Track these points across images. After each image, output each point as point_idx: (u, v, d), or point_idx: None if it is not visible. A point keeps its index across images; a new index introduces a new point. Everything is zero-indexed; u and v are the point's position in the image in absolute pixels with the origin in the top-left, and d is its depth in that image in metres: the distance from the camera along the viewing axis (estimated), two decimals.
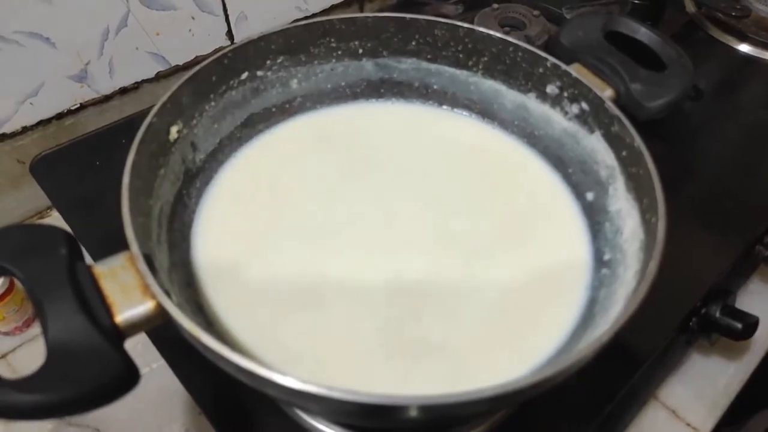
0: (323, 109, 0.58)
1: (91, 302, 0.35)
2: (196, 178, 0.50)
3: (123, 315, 0.35)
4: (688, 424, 0.61)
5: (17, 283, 0.61)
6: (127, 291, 0.36)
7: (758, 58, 0.83)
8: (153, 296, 0.35)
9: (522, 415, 0.52)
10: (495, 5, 0.76)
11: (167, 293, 0.35)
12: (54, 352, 0.32)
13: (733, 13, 0.76)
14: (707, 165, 0.73)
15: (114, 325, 0.35)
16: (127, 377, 0.33)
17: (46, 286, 0.34)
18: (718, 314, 0.58)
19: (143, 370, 0.59)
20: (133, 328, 0.35)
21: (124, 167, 0.40)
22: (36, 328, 0.64)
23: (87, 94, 0.68)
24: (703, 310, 0.59)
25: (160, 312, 0.36)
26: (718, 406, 0.62)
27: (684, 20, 0.89)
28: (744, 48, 0.84)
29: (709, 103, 0.79)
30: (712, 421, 0.61)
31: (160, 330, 0.52)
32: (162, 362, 0.57)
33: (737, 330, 0.58)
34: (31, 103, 0.64)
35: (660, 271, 0.37)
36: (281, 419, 0.50)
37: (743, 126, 0.78)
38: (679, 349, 0.63)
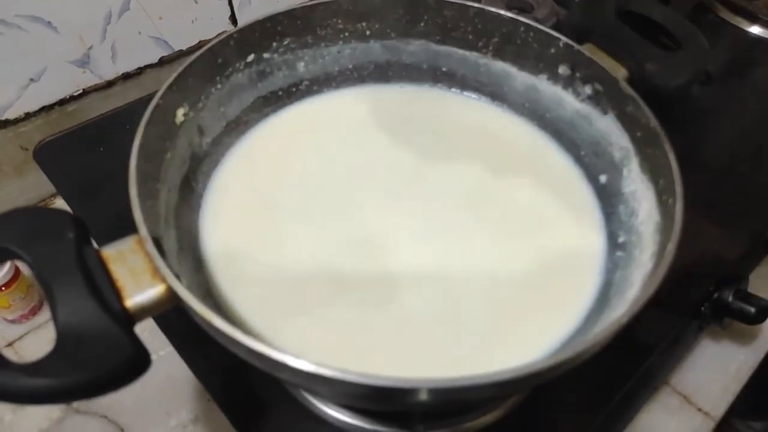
0: (330, 93, 0.57)
1: (101, 286, 0.34)
2: (203, 162, 0.49)
3: (133, 299, 0.35)
4: (700, 409, 0.60)
5: (23, 270, 0.60)
6: (137, 274, 0.35)
7: None
8: (163, 279, 0.35)
9: (533, 402, 0.51)
10: None
11: (177, 276, 0.34)
12: (64, 337, 0.32)
13: None
14: (718, 149, 0.72)
15: (124, 309, 0.34)
16: (137, 361, 0.33)
17: (54, 269, 0.33)
18: (731, 299, 0.58)
19: (151, 357, 0.59)
20: (143, 312, 0.35)
21: (131, 150, 0.39)
22: (42, 316, 0.63)
23: (90, 80, 0.67)
24: (716, 295, 0.58)
25: (170, 296, 0.35)
26: (729, 391, 0.62)
27: (693, 2, 0.87)
28: (755, 30, 0.82)
29: (720, 86, 0.78)
30: (723, 406, 0.61)
31: (169, 316, 0.52)
32: (169, 349, 0.57)
33: (750, 314, 0.57)
34: (33, 88, 0.64)
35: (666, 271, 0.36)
36: (292, 405, 0.49)
37: (755, 109, 0.77)
38: (691, 334, 0.63)
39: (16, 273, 0.59)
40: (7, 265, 0.58)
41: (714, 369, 0.63)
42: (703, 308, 0.59)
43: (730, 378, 0.62)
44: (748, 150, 0.73)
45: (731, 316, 0.58)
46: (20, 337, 0.62)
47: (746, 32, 0.83)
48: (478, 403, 0.41)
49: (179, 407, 0.57)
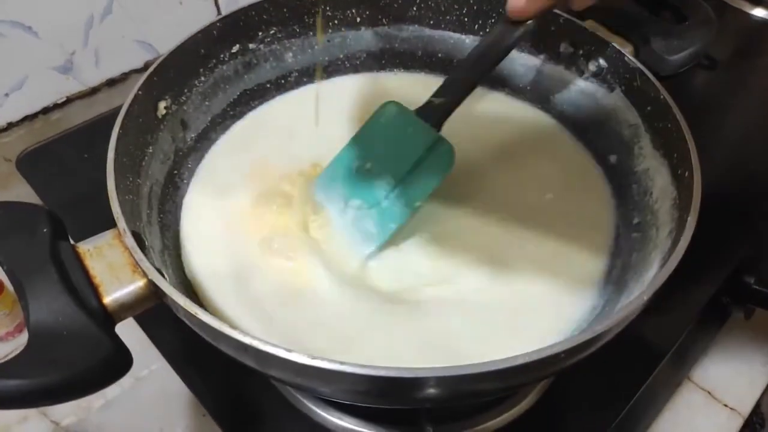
0: (321, 83, 0.54)
1: (77, 282, 0.31)
2: (187, 158, 0.47)
3: (112, 295, 0.32)
4: (726, 405, 0.57)
5: (7, 285, 0.57)
6: (115, 270, 0.33)
7: None
8: (143, 274, 0.32)
9: (550, 401, 0.48)
10: None
11: (159, 272, 0.32)
12: (37, 335, 0.29)
13: None
14: (727, 133, 0.70)
15: (102, 307, 0.31)
16: (117, 361, 0.30)
17: (26, 265, 0.31)
18: (753, 284, 0.55)
19: (142, 373, 0.56)
20: (124, 309, 0.32)
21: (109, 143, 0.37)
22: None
23: (73, 87, 0.65)
24: (737, 281, 0.55)
25: (152, 291, 0.32)
26: (756, 385, 0.58)
27: None
28: (758, 12, 0.80)
29: (725, 71, 0.75)
30: (751, 401, 0.57)
31: (161, 329, 0.50)
32: (161, 364, 0.54)
33: None
34: (15, 97, 0.61)
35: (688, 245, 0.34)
36: (291, 413, 0.46)
37: (761, 93, 0.74)
38: (712, 326, 0.60)
39: (0, 287, 0.56)
40: None
41: (738, 363, 0.60)
42: (723, 298, 0.56)
43: (756, 371, 0.59)
44: (758, 132, 0.70)
45: (754, 303, 0.55)
46: (6, 357, 0.59)
47: (750, 15, 0.81)
48: (493, 393, 0.38)
49: (173, 423, 0.54)
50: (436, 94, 0.43)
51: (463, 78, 0.43)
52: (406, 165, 0.42)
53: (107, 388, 0.53)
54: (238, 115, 0.51)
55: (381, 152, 0.44)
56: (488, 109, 0.53)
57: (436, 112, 0.43)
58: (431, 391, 0.29)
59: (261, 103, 0.52)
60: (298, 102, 0.53)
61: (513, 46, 0.41)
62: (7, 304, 0.57)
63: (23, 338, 0.59)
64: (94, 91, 0.67)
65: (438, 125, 0.43)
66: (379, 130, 0.44)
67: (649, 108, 0.44)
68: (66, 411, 0.53)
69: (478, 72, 0.43)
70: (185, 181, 0.46)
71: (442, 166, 0.43)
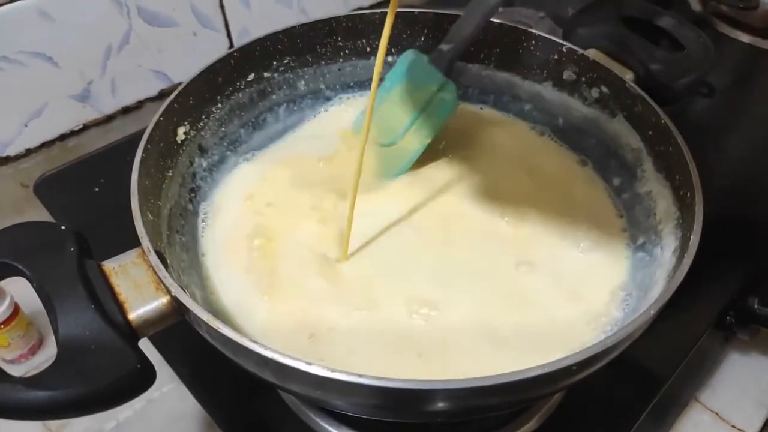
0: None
1: (103, 299, 0.33)
2: (204, 181, 0.48)
3: (136, 311, 0.33)
4: (734, 426, 0.57)
5: (22, 308, 0.58)
6: (140, 287, 0.34)
7: None
8: (166, 291, 0.33)
9: (557, 422, 0.49)
10: (500, 9, 0.75)
11: (181, 288, 0.33)
12: (66, 349, 0.30)
13: (741, 5, 0.76)
14: (726, 160, 0.71)
15: (127, 322, 0.33)
16: (142, 375, 0.31)
17: (55, 282, 0.32)
18: (756, 306, 0.55)
19: (153, 394, 0.57)
20: (147, 325, 0.33)
21: (133, 165, 0.39)
22: (41, 356, 0.61)
23: (90, 114, 0.67)
24: (741, 302, 0.56)
25: (175, 308, 0.34)
26: (763, 405, 0.59)
27: (691, 19, 0.88)
28: (753, 41, 0.83)
29: (722, 99, 0.77)
30: (759, 421, 0.58)
31: (176, 349, 0.51)
32: (173, 385, 0.55)
33: None
34: (34, 124, 0.63)
35: (692, 266, 0.35)
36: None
37: (759, 118, 0.76)
38: (718, 346, 0.60)
39: (15, 310, 0.57)
40: (6, 301, 0.56)
41: (745, 383, 0.60)
42: (728, 317, 0.57)
43: (763, 391, 0.59)
44: (759, 155, 0.71)
45: (758, 323, 0.56)
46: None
47: (745, 44, 0.83)
48: (505, 407, 0.38)
49: None
50: (445, 41, 0.50)
51: (467, 27, 0.49)
52: (419, 104, 0.50)
53: (119, 410, 0.55)
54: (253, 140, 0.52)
55: (400, 95, 0.51)
56: (493, 134, 0.55)
57: (444, 58, 0.50)
58: (445, 404, 0.30)
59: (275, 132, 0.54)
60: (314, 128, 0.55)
61: None
62: (22, 326, 0.58)
63: (37, 360, 0.60)
64: (109, 118, 0.69)
65: (447, 70, 0.50)
66: (400, 76, 0.51)
67: (650, 132, 0.45)
68: None
69: (479, 21, 0.49)
70: (202, 204, 0.47)
71: (448, 106, 0.50)
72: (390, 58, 0.54)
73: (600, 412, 0.49)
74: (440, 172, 0.51)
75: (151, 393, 0.57)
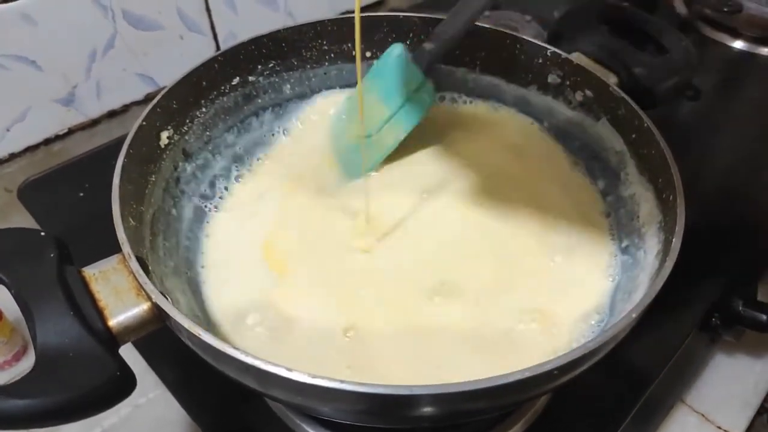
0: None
1: (82, 305, 0.32)
2: (188, 186, 0.48)
3: (117, 318, 0.33)
4: (719, 427, 0.57)
5: (6, 314, 0.58)
6: (120, 293, 0.34)
7: (753, 53, 0.83)
8: (147, 297, 0.33)
9: (544, 422, 0.49)
10: (486, 12, 0.76)
11: (162, 295, 0.33)
12: (44, 357, 0.30)
13: (725, 9, 0.76)
14: (712, 162, 0.72)
15: (107, 329, 0.32)
16: (122, 382, 0.31)
17: (34, 289, 0.32)
18: (741, 308, 0.56)
19: (139, 401, 0.56)
20: (128, 331, 0.33)
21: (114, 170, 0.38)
22: (26, 362, 0.60)
23: (75, 118, 0.66)
24: (726, 305, 0.56)
25: (156, 314, 0.33)
26: (749, 406, 0.59)
27: (675, 22, 0.88)
28: (738, 45, 0.83)
29: (708, 101, 0.78)
30: (744, 422, 0.58)
31: (161, 356, 0.50)
32: (159, 391, 0.54)
33: (762, 322, 0.55)
34: (17, 128, 0.63)
35: (676, 269, 0.35)
36: None
37: (745, 121, 0.76)
38: (703, 348, 0.60)
39: None
40: None
41: (731, 384, 0.61)
42: (713, 319, 0.57)
43: (749, 392, 0.60)
44: (744, 161, 0.72)
45: (743, 325, 0.56)
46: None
47: (730, 48, 0.84)
48: (490, 411, 0.38)
49: None
50: (428, 40, 0.50)
51: (451, 28, 0.49)
52: (399, 100, 0.50)
53: (104, 417, 0.54)
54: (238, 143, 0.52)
55: (383, 89, 0.51)
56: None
57: (426, 57, 0.50)
58: (428, 409, 0.30)
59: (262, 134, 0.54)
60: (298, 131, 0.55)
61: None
62: (5, 332, 0.57)
63: (21, 367, 0.60)
64: (94, 122, 0.69)
65: (427, 68, 0.50)
66: (383, 70, 0.51)
67: (633, 135, 0.45)
68: None
69: (464, 23, 0.49)
70: (185, 209, 0.47)
71: (425, 105, 0.51)
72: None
73: (586, 415, 0.49)
74: (425, 170, 0.52)
75: (137, 399, 0.56)
